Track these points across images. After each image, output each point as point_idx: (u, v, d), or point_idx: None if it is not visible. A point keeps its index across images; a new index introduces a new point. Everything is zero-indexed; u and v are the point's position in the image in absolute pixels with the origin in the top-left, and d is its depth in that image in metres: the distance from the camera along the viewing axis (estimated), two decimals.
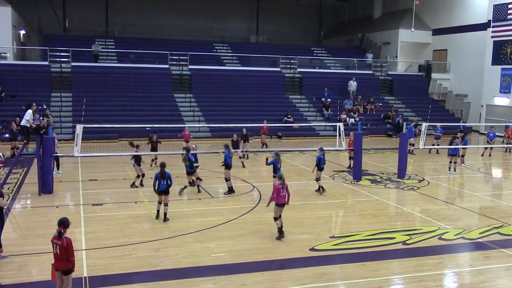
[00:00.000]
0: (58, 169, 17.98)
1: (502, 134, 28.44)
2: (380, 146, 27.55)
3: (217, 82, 34.02)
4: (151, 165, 19.30)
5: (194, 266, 9.76)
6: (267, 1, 46.77)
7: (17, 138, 22.24)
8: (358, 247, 11.03)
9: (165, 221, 12.52)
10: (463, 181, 19.33)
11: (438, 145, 24.76)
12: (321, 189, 16.03)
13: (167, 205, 12.70)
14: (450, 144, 20.42)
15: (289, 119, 30.99)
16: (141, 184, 16.40)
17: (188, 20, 44.77)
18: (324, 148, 16.36)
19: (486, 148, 25.85)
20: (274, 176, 14.73)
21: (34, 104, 25.02)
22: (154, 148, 19.42)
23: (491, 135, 25.66)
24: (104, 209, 13.84)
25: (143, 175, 16.50)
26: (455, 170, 20.09)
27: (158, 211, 12.79)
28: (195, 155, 16.50)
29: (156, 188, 12.55)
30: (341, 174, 19.55)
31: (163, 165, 12.75)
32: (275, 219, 11.44)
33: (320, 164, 15.83)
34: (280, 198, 11.35)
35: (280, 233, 11.42)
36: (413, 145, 24.02)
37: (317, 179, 16.01)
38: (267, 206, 11.92)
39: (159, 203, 12.71)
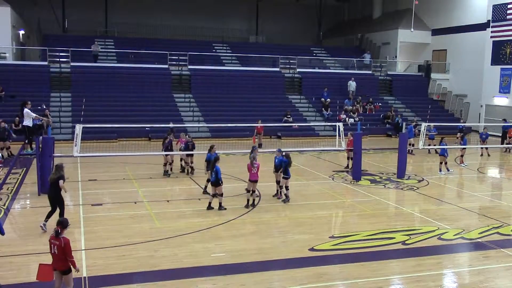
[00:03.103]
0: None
1: (499, 134, 28.56)
2: (380, 146, 27.56)
3: (216, 82, 34.03)
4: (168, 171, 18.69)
5: (193, 266, 9.76)
6: (267, 1, 46.78)
7: (9, 139, 22.04)
8: (357, 247, 11.04)
9: (220, 209, 13.66)
10: (462, 181, 19.35)
11: (435, 145, 24.77)
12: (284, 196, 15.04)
13: (215, 196, 13.74)
14: (439, 145, 20.56)
15: (289, 119, 31.01)
16: (170, 172, 18.34)
17: (188, 20, 44.80)
18: (324, 148, 16.37)
19: (482, 148, 25.87)
20: (284, 178, 14.70)
21: (29, 102, 25.00)
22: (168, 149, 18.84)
23: (483, 136, 25.77)
24: (104, 209, 13.84)
25: (171, 163, 18.39)
26: (440, 170, 20.12)
27: (209, 202, 13.83)
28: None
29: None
30: (341, 174, 19.56)
31: (216, 159, 14.02)
32: (247, 190, 14.30)
33: (287, 168, 14.83)
34: (251, 175, 14.06)
35: (248, 204, 14.09)
36: (413, 145, 24.03)
37: (286, 187, 14.91)
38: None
39: (212, 195, 13.86)
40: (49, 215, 11.77)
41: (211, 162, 14.11)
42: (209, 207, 13.77)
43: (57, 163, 12.60)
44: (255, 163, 14.19)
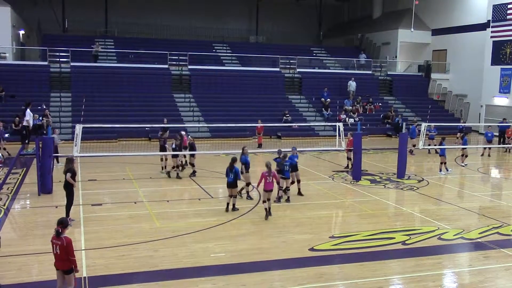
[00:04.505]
0: (57, 161, 18.59)
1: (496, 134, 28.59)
2: (380, 146, 27.56)
3: (216, 82, 34.03)
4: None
5: (193, 266, 9.76)
6: (267, 1, 46.76)
7: (1, 140, 21.98)
8: (357, 247, 11.04)
9: (234, 210, 13.54)
10: (462, 181, 19.35)
11: (435, 145, 24.78)
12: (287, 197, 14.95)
13: (236, 197, 13.74)
14: (440, 145, 20.57)
15: (288, 118, 31.02)
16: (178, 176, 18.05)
17: (188, 20, 44.79)
18: (324, 148, 16.35)
19: (485, 148, 25.88)
20: (281, 178, 14.60)
21: (31, 103, 25.06)
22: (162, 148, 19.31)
23: (489, 135, 25.68)
24: (104, 209, 13.84)
25: (177, 167, 18.07)
26: (440, 170, 20.13)
27: (227, 203, 13.65)
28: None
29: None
30: (341, 174, 19.56)
31: (233, 160, 13.67)
32: (263, 202, 13.16)
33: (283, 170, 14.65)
34: (267, 184, 13.04)
35: (267, 214, 13.00)
36: (414, 145, 24.04)
37: (286, 187, 14.92)
38: (256, 188, 13.67)
39: (229, 196, 13.61)
40: (66, 209, 12.28)
41: (230, 163, 13.63)
42: (229, 208, 13.61)
43: (68, 156, 13.12)
44: (267, 172, 13.16)
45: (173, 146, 18.34)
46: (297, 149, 16.14)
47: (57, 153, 18.62)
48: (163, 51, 34.17)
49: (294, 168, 15.41)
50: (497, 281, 9.49)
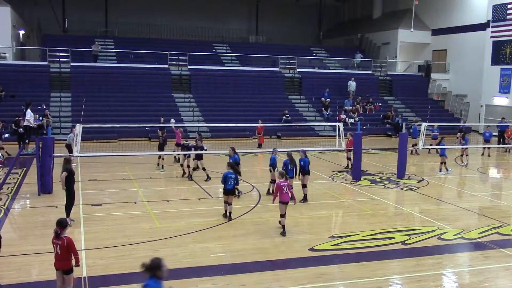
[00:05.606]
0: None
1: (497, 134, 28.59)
2: (380, 146, 27.55)
3: (216, 82, 34.05)
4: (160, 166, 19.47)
5: (193, 266, 9.76)
6: (267, 1, 46.80)
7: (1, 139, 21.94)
8: (357, 247, 11.04)
9: (229, 220, 12.75)
10: (462, 181, 19.36)
11: (437, 145, 24.76)
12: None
13: (231, 204, 12.91)
14: (438, 145, 20.60)
15: (287, 118, 31.02)
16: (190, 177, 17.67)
17: (188, 20, 44.83)
18: (324, 148, 16.28)
19: (484, 148, 25.88)
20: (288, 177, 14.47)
21: (31, 103, 25.07)
22: (161, 146, 19.78)
23: (487, 135, 25.69)
24: (104, 209, 13.84)
25: (194, 169, 17.67)
26: (440, 170, 20.14)
27: (226, 210, 12.99)
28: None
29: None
30: (341, 174, 19.56)
31: (231, 166, 13.15)
32: (281, 216, 11.80)
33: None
34: (283, 196, 11.69)
35: (283, 231, 11.74)
36: (415, 145, 24.06)
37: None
38: (272, 203, 12.41)
39: (225, 202, 12.98)
40: (66, 209, 12.22)
41: (228, 169, 13.03)
42: (227, 215, 13.00)
43: (65, 156, 13.13)
44: (283, 181, 11.87)
45: (190, 145, 18.37)
46: (297, 149, 16.04)
47: (71, 152, 18.65)
48: (163, 51, 34.17)
49: (305, 171, 15.07)
50: (497, 281, 9.49)
